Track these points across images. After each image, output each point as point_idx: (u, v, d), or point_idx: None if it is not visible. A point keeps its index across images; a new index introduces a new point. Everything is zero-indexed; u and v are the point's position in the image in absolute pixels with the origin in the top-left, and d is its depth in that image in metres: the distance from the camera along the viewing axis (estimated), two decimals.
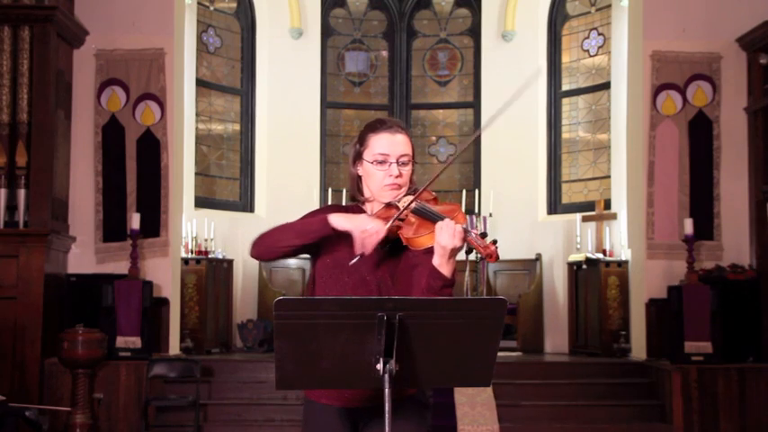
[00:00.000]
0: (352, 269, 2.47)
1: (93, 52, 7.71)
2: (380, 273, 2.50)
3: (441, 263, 2.35)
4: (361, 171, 2.58)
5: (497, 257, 2.29)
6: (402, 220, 2.42)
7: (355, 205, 2.64)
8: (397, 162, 2.52)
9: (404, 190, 2.50)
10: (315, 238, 2.49)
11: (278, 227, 2.55)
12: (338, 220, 2.44)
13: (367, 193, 2.59)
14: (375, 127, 2.57)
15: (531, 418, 7.03)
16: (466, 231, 2.30)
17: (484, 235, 2.29)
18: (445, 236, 2.31)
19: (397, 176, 2.51)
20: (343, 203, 2.74)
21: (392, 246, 2.46)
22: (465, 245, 2.33)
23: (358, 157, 2.58)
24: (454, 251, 2.33)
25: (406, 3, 10.61)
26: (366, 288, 2.49)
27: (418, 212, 2.42)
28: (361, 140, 2.58)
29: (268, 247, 2.56)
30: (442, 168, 2.51)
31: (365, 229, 2.39)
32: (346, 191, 9.64)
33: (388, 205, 2.50)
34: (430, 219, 2.37)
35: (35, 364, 6.71)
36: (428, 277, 2.37)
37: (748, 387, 6.96)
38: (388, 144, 2.53)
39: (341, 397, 2.50)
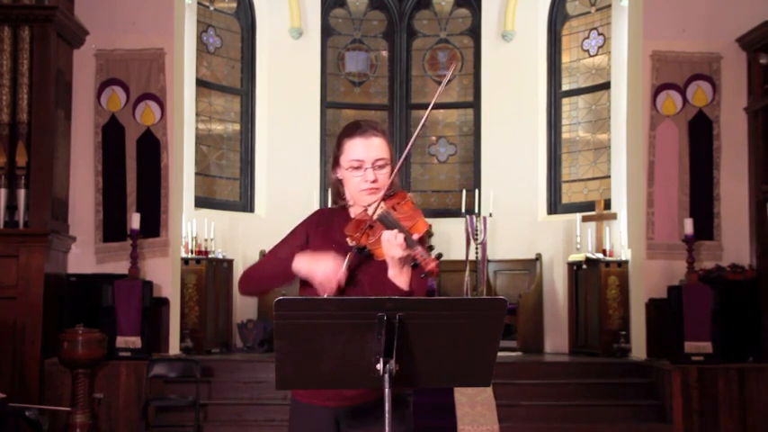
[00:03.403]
0: None
1: (93, 52, 7.71)
2: (357, 273, 2.51)
3: (394, 273, 2.38)
4: (340, 175, 2.58)
5: (437, 274, 2.31)
6: (372, 227, 2.43)
7: (342, 207, 2.65)
8: (373, 166, 2.52)
9: (382, 193, 2.48)
10: (289, 280, 2.55)
11: (256, 269, 2.65)
12: (302, 265, 2.47)
13: (348, 197, 2.60)
14: (350, 132, 2.57)
15: (531, 418, 7.03)
16: (412, 243, 2.30)
17: (431, 248, 2.30)
18: (388, 245, 2.34)
19: (372, 181, 2.51)
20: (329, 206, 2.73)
21: (368, 251, 2.47)
22: (411, 261, 2.35)
23: (336, 161, 2.59)
24: (401, 261, 2.34)
25: (406, 3, 10.61)
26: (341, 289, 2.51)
27: (381, 221, 2.42)
28: (338, 145, 2.58)
29: (253, 290, 2.69)
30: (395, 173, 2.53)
31: (325, 273, 2.42)
32: None
33: (366, 210, 2.51)
34: (389, 228, 2.37)
35: (35, 364, 6.71)
36: (387, 288, 2.40)
37: (748, 387, 6.96)
38: (363, 149, 2.52)
39: (321, 395, 2.52)
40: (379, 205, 2.43)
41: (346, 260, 2.45)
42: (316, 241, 2.58)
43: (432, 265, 2.28)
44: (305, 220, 2.67)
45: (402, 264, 2.35)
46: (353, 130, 2.56)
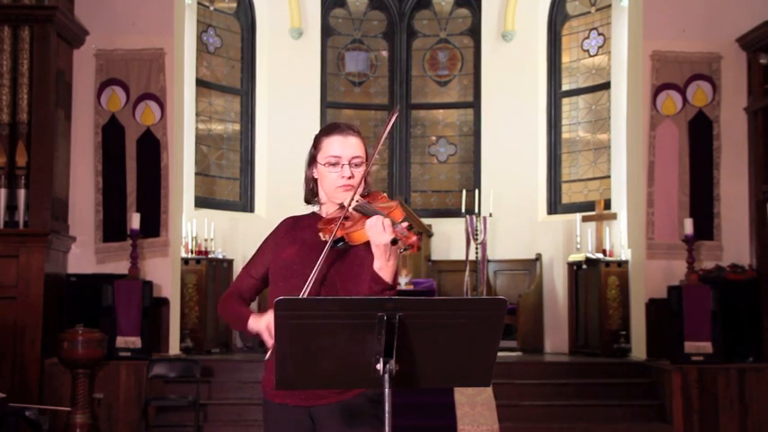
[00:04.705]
0: (299, 269, 2.55)
1: (93, 52, 7.71)
2: (328, 271, 2.55)
3: (381, 265, 2.40)
4: (316, 174, 2.65)
5: (419, 248, 2.35)
6: (347, 218, 2.48)
7: (312, 214, 2.72)
8: (349, 163, 2.58)
9: (359, 191, 2.54)
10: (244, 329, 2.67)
11: (223, 307, 2.75)
12: (252, 324, 2.62)
13: (322, 195, 2.66)
14: (327, 130, 2.65)
15: (531, 418, 7.03)
16: (393, 224, 2.35)
17: (411, 227, 2.34)
18: (374, 231, 2.36)
19: (349, 177, 2.57)
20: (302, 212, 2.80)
21: (343, 244, 2.50)
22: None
23: (312, 160, 2.66)
24: (388, 248, 2.36)
25: (406, 3, 10.61)
26: (313, 286, 2.53)
27: (359, 210, 2.48)
28: (315, 144, 2.66)
29: (226, 320, 2.82)
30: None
31: (268, 324, 2.50)
32: None
33: (341, 206, 2.55)
34: (368, 215, 2.43)
35: (35, 364, 6.71)
36: (370, 281, 2.43)
37: (748, 387, 6.96)
38: (340, 146, 2.60)
39: (294, 394, 2.53)
40: (354, 198, 2.49)
41: (320, 258, 2.47)
42: (284, 246, 2.64)
43: (413, 239, 2.31)
44: (272, 233, 2.74)
45: (388, 252, 2.37)
46: (332, 129, 2.65)
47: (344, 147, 2.59)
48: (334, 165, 2.58)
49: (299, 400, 2.55)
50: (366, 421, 2.52)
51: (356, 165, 2.59)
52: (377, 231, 2.35)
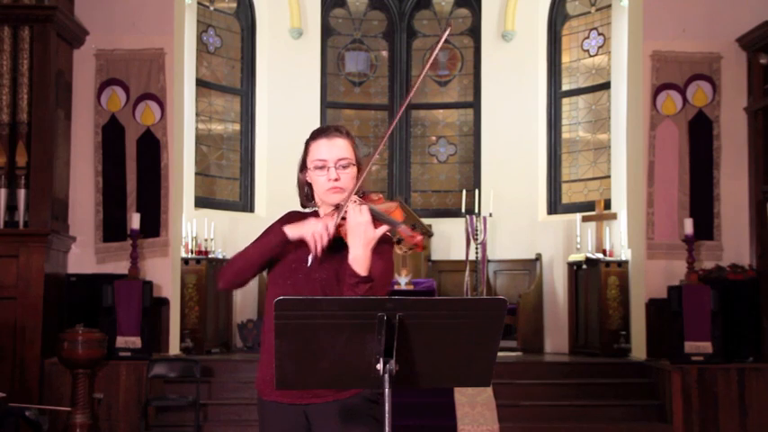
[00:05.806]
0: (298, 270, 2.57)
1: (93, 52, 7.71)
2: (325, 272, 2.56)
3: (354, 255, 2.42)
4: (309, 178, 2.67)
5: (422, 248, 2.38)
6: (345, 218, 2.49)
7: (313, 212, 2.73)
8: (335, 166, 2.59)
9: (349, 193, 2.55)
10: (277, 252, 2.60)
11: (239, 254, 2.65)
12: (292, 231, 2.55)
13: (317, 199, 2.68)
14: (314, 135, 2.68)
15: (531, 418, 7.03)
16: (394, 222, 2.39)
17: (414, 227, 2.37)
18: (352, 213, 2.41)
19: (335, 180, 2.58)
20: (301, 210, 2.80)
21: (339, 245, 2.52)
22: (395, 237, 2.44)
23: (303, 164, 2.68)
24: (367, 237, 2.39)
25: (406, 3, 10.61)
26: (311, 287, 2.55)
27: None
28: (305, 149, 2.69)
29: (236, 274, 2.64)
30: (369, 165, 2.60)
31: (314, 231, 2.49)
32: None
33: (337, 207, 2.57)
34: (373, 216, 2.46)
35: (35, 364, 6.71)
36: (346, 275, 2.44)
37: (748, 387, 6.96)
38: (326, 149, 2.61)
39: (289, 393, 2.53)
40: (350, 197, 2.51)
41: (310, 258, 2.51)
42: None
43: (418, 238, 2.34)
44: (278, 221, 2.73)
45: (364, 240, 2.39)
46: (318, 133, 2.67)
47: (330, 149, 2.60)
48: (321, 168, 2.60)
49: (295, 399, 2.55)
50: (362, 421, 2.52)
51: (343, 167, 2.60)
52: (354, 212, 2.40)
